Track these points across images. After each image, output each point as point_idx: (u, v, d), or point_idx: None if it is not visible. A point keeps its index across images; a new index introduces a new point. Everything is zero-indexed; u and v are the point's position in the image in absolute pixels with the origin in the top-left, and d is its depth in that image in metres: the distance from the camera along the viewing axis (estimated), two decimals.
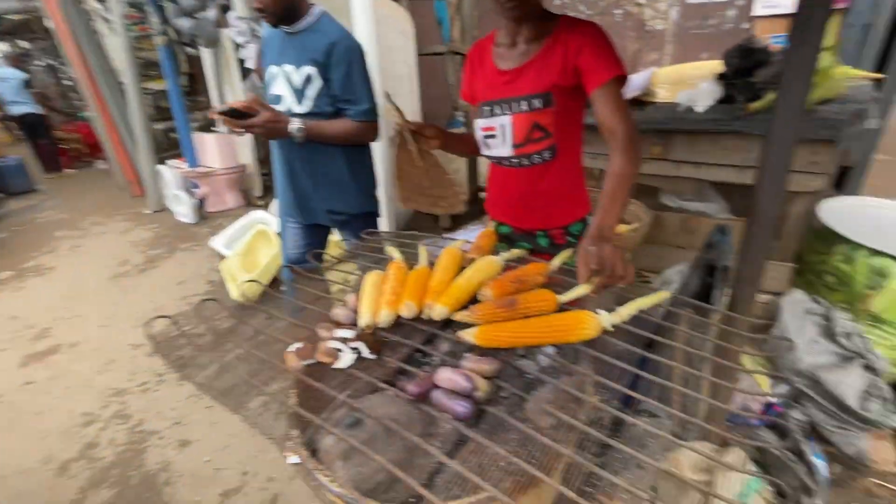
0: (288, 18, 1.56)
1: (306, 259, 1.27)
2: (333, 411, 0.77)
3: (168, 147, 5.42)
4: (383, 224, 2.98)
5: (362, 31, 2.50)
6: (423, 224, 3.93)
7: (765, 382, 1.78)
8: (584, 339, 0.84)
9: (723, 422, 0.71)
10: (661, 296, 0.92)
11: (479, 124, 1.31)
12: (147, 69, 5.60)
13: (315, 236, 1.93)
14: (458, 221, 3.82)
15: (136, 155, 5.09)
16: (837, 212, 2.05)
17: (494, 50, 1.28)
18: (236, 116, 1.46)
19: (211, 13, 3.28)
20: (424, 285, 1.01)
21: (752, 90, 1.73)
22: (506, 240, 1.47)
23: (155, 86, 5.96)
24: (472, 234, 2.20)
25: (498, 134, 1.27)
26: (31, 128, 6.71)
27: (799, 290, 1.97)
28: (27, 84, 6.56)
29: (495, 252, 1.18)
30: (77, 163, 7.85)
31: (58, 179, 7.03)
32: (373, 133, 1.69)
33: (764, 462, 1.51)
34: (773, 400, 1.67)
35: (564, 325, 0.83)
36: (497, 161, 1.34)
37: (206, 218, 4.74)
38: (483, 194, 3.98)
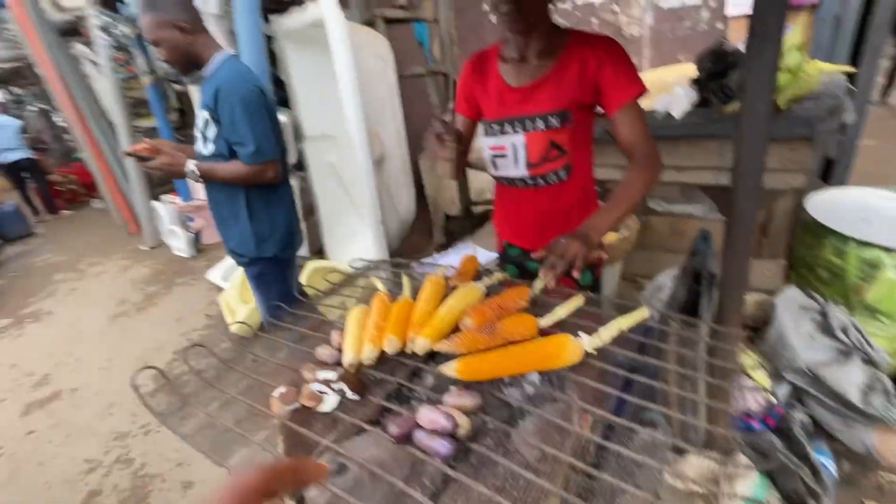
0: (191, 68, 1.68)
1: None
2: (318, 457, 0.76)
3: (161, 183, 5.47)
4: (373, 250, 2.99)
5: (340, 59, 2.54)
6: (418, 241, 3.94)
7: (765, 383, 1.76)
8: (567, 365, 0.84)
9: (726, 428, 0.70)
10: (642, 314, 0.92)
11: (487, 143, 1.26)
12: (137, 107, 5.67)
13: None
14: (451, 238, 3.83)
15: (131, 193, 5.13)
16: (824, 205, 2.05)
17: (501, 65, 1.22)
18: (141, 159, 1.62)
19: None
20: (407, 318, 1.01)
21: (726, 93, 1.75)
22: (515, 262, 1.43)
23: (146, 123, 6.03)
24: (459, 256, 2.21)
25: (509, 154, 1.22)
26: (26, 172, 6.78)
27: (793, 286, 1.96)
28: (23, 130, 6.66)
29: (479, 277, 1.19)
30: (74, 203, 7.91)
31: (55, 222, 7.08)
32: (264, 175, 1.69)
33: (769, 470, 1.49)
34: (775, 402, 1.65)
35: (545, 351, 0.83)
36: (507, 182, 1.29)
37: (203, 251, 4.76)
38: (476, 208, 3.98)
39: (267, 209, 1.79)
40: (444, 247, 4.01)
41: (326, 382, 0.86)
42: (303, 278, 2.87)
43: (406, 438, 0.74)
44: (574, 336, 0.85)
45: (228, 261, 3.76)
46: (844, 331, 1.74)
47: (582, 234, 0.98)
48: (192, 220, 4.72)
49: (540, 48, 1.15)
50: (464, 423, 0.72)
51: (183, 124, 6.07)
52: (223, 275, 3.66)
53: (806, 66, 1.75)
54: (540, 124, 1.15)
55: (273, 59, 3.05)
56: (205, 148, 1.71)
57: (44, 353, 3.31)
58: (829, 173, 2.54)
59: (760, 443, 1.43)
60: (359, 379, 0.88)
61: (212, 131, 1.67)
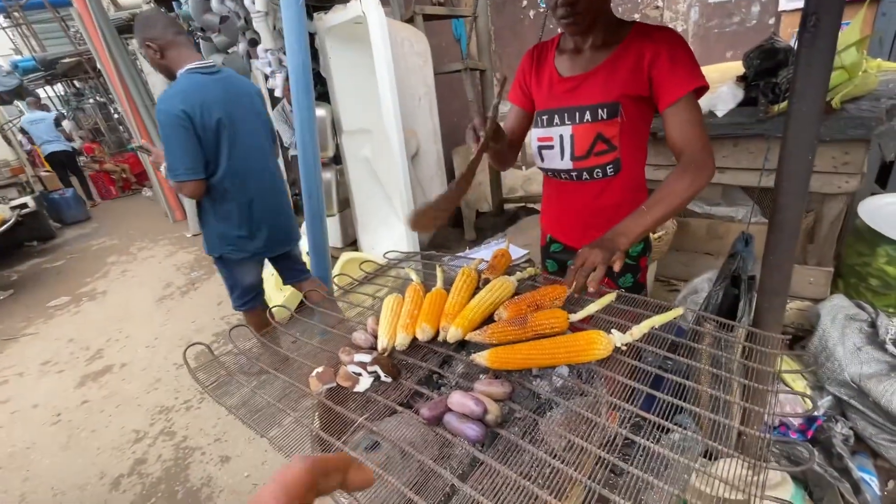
0: (169, 78, 1.87)
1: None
2: (353, 434, 0.81)
3: None
4: (406, 240, 3.05)
5: (380, 56, 2.59)
6: (449, 237, 3.97)
7: (805, 392, 1.70)
8: (597, 360, 0.84)
9: (756, 440, 0.68)
10: (676, 313, 0.92)
11: (535, 134, 1.25)
12: None
13: None
14: (482, 234, 3.84)
15: None
16: (879, 211, 1.94)
17: (557, 56, 1.20)
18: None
19: (241, 47, 3.48)
20: (440, 308, 1.04)
21: (775, 92, 1.69)
22: (555, 257, 1.41)
23: None
24: (491, 252, 2.22)
25: (555, 145, 1.19)
26: (64, 163, 7.23)
27: (840, 294, 1.88)
28: (57, 123, 7.10)
29: (511, 271, 1.20)
30: (126, 191, 8.40)
31: (108, 208, 7.54)
32: (181, 192, 1.88)
33: (805, 481, 1.44)
34: (816, 413, 1.59)
35: (576, 345, 0.84)
36: (553, 174, 1.26)
37: None
38: (509, 206, 3.97)
39: (214, 217, 1.96)
40: (474, 243, 4.03)
41: (362, 365, 0.91)
42: (335, 269, 2.96)
43: (437, 421, 0.77)
44: (605, 332, 0.86)
45: None
46: (895, 343, 1.65)
47: (607, 242, 0.95)
48: None
49: (598, 41, 1.12)
50: (493, 409, 0.74)
51: None
52: None
53: (865, 64, 1.66)
54: (588, 116, 1.12)
55: (315, 55, 3.14)
56: None
57: (98, 329, 3.55)
58: (886, 178, 2.40)
59: (796, 452, 1.39)
60: (392, 363, 0.91)
61: None
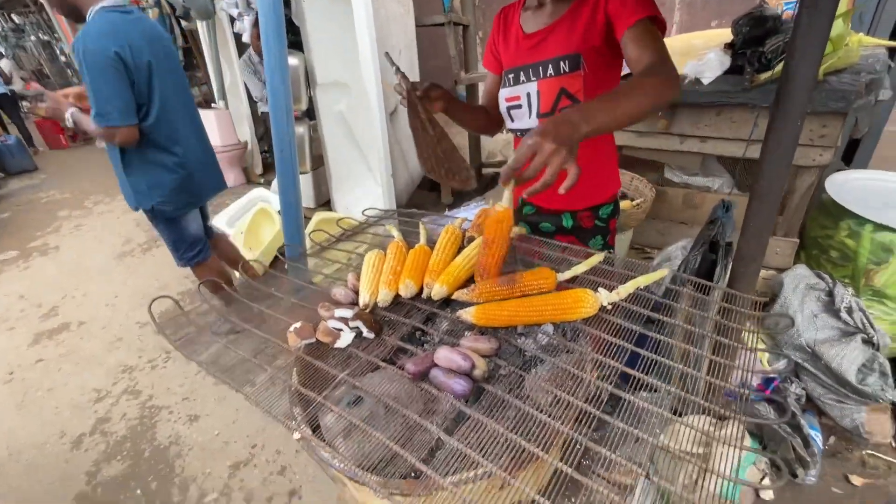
0: (75, 17, 1.68)
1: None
2: (334, 389, 0.78)
3: None
4: (383, 201, 2.97)
5: (359, 1, 2.42)
6: (426, 200, 3.91)
7: (764, 358, 1.79)
8: (583, 318, 0.84)
9: (721, 398, 0.70)
10: (661, 274, 0.92)
11: (503, 94, 1.22)
12: None
13: None
14: (460, 197, 3.80)
15: None
16: (845, 186, 2.01)
17: (522, 14, 1.18)
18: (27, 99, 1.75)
19: None
20: (424, 265, 1.01)
21: (762, 60, 1.68)
22: (528, 220, 1.42)
23: None
24: (473, 212, 2.18)
25: (523, 103, 1.17)
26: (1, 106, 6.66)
27: (802, 265, 1.96)
28: None
29: None
30: (76, 142, 7.80)
31: (58, 159, 7.00)
32: (112, 139, 1.72)
33: (761, 435, 1.54)
34: (773, 375, 1.68)
35: (564, 303, 0.83)
36: (522, 134, 1.24)
37: None
38: (487, 170, 3.93)
39: (144, 166, 1.84)
40: (452, 207, 3.98)
41: (343, 320, 0.87)
42: (308, 229, 2.87)
43: (422, 376, 0.75)
44: (592, 291, 0.85)
45: (233, 207, 3.74)
46: (849, 312, 1.75)
47: (564, 125, 0.71)
48: None
49: None
50: (480, 364, 0.73)
51: (189, 64, 5.89)
52: (228, 220, 3.65)
53: (848, 37, 1.67)
54: (551, 70, 1.10)
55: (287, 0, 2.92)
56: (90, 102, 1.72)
57: (51, 286, 3.35)
58: (851, 154, 2.48)
59: (755, 412, 1.47)
60: (375, 319, 0.89)
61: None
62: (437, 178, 1.24)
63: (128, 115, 1.67)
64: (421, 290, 0.97)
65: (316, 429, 0.74)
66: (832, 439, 1.73)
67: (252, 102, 4.39)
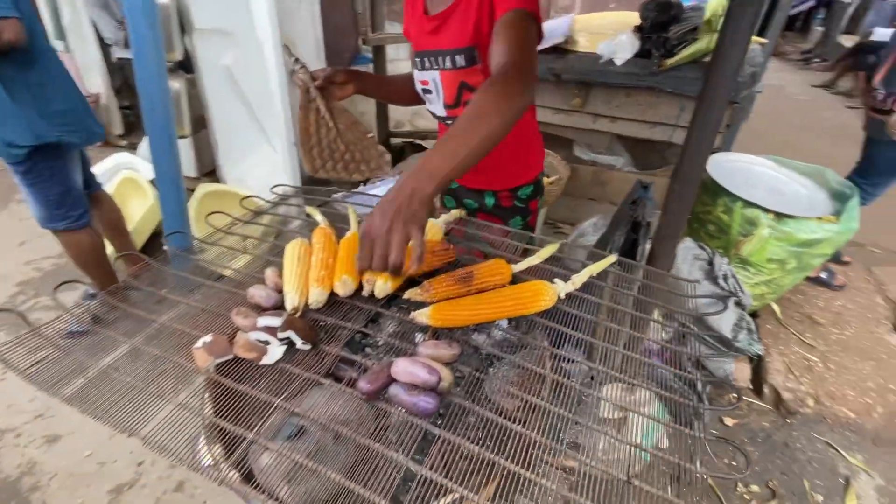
0: None
1: None
2: (266, 419, 0.64)
3: None
4: (284, 173, 2.66)
5: None
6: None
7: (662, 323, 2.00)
8: (542, 310, 0.80)
9: (639, 368, 0.82)
10: (609, 260, 0.93)
11: (416, 76, 1.15)
12: None
13: None
14: None
15: None
16: (722, 167, 2.28)
17: None
18: None
19: None
20: None
21: (667, 46, 1.77)
22: (452, 195, 1.38)
23: None
24: (387, 189, 2.05)
25: (432, 89, 1.12)
26: None
27: (689, 238, 2.20)
28: None
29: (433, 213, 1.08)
30: None
31: None
32: (4, 35, 1.40)
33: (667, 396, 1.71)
34: (669, 340, 1.88)
35: (523, 297, 0.78)
36: (437, 118, 1.20)
37: None
38: (395, 140, 3.75)
39: (26, 89, 1.53)
40: (363, 181, 3.74)
41: (269, 330, 0.72)
42: (192, 204, 2.46)
43: (378, 395, 0.65)
44: (548, 282, 0.82)
45: None
46: (725, 278, 2.02)
47: (399, 196, 0.63)
48: None
49: None
50: (446, 376, 0.64)
51: None
52: None
53: None
54: (448, 63, 1.04)
55: None
56: None
57: None
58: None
59: (659, 377, 1.62)
60: (309, 326, 0.74)
61: None
62: (332, 176, 1.14)
63: (7, 6, 1.38)
64: (360, 287, 0.84)
65: (249, 475, 0.60)
66: (708, 388, 2.01)
67: (104, 46, 3.58)
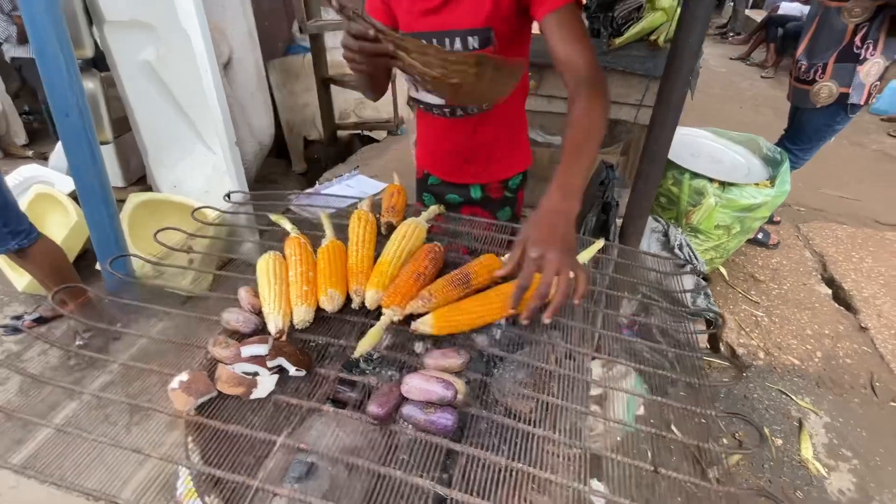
0: None
1: None
2: (267, 460, 0.57)
3: None
4: (227, 176, 2.47)
5: None
6: (274, 170, 3.42)
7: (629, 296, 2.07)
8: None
9: (614, 345, 0.88)
10: (598, 245, 0.93)
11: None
12: None
13: None
14: (314, 165, 3.41)
15: None
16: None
17: None
18: None
19: None
20: (343, 266, 0.82)
21: (614, 25, 1.79)
22: (433, 191, 1.30)
23: None
24: (348, 186, 1.95)
25: None
26: None
27: None
28: None
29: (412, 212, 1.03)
30: None
31: None
32: None
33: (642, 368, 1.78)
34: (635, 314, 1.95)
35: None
36: (426, 108, 1.11)
37: None
38: (342, 132, 3.60)
39: None
40: (304, 176, 3.56)
41: (257, 360, 0.64)
42: (123, 218, 2.23)
43: (390, 417, 0.60)
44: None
45: None
46: (680, 248, 2.12)
47: (559, 212, 0.68)
48: None
49: None
50: (461, 388, 0.60)
51: None
52: None
53: (678, 7, 1.90)
54: (458, 44, 0.97)
55: None
56: None
57: None
58: None
59: (633, 349, 1.68)
60: (300, 350, 0.68)
61: None
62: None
63: None
64: (348, 300, 0.78)
65: None
66: (671, 353, 2.12)
67: None
